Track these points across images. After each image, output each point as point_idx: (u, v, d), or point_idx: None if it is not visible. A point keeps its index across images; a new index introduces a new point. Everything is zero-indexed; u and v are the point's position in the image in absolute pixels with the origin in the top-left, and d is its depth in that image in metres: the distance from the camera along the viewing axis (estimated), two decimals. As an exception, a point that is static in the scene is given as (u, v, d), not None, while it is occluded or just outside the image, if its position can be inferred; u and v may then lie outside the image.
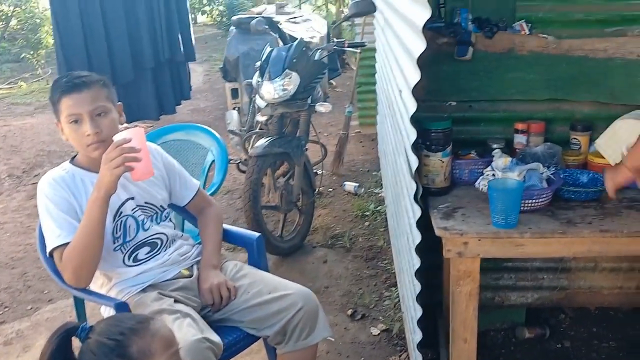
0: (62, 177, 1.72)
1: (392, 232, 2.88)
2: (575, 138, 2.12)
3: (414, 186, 1.66)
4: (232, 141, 4.24)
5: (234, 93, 6.48)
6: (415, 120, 1.65)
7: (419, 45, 1.51)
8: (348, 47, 3.46)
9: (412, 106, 1.58)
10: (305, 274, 3.11)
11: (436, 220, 1.74)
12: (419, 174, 1.94)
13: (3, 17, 13.14)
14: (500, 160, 1.89)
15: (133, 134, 1.60)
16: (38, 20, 11.67)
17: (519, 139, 2.14)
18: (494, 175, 1.85)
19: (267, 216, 3.69)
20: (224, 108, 6.78)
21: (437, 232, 1.69)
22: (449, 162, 1.92)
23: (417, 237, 1.66)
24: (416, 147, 1.72)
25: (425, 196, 1.90)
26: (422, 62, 1.48)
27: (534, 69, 2.15)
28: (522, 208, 1.68)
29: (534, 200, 1.74)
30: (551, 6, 2.24)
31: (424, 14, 1.51)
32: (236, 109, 6.40)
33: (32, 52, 10.96)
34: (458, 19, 2.17)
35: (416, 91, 1.54)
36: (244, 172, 3.90)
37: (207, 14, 17.55)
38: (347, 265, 3.17)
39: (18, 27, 12.58)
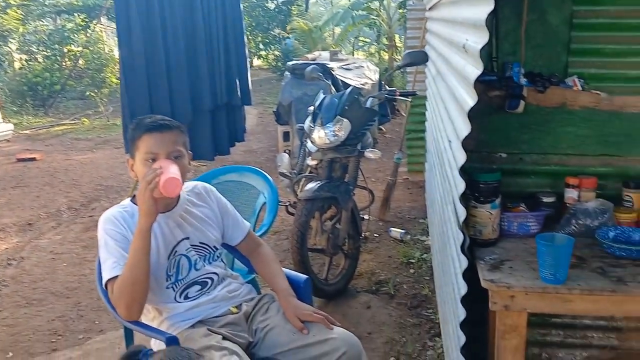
0: (121, 214, 1.81)
1: (438, 282, 2.86)
2: (628, 195, 2.10)
3: (460, 237, 1.67)
4: (282, 183, 4.33)
5: (286, 136, 6.66)
6: (464, 171, 1.67)
7: (470, 99, 1.55)
8: (399, 96, 3.52)
9: (461, 157, 1.61)
10: (348, 318, 3.11)
11: (483, 272, 1.74)
12: (466, 225, 1.95)
13: (72, 56, 14.02)
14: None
15: (162, 163, 1.71)
16: (104, 61, 12.34)
17: (570, 194, 2.13)
18: None
19: (313, 258, 3.72)
20: (276, 150, 6.96)
21: (484, 284, 1.69)
22: (497, 214, 1.93)
23: (463, 288, 1.66)
24: (464, 198, 1.74)
25: (472, 247, 1.90)
26: (473, 113, 1.51)
27: (587, 125, 2.16)
28: None
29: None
30: (604, 63, 2.25)
31: (476, 69, 1.55)
32: (287, 151, 6.56)
33: (96, 91, 11.61)
34: (510, 73, 2.21)
35: (466, 142, 1.57)
36: (292, 214, 3.97)
37: (263, 58, 18.23)
38: (390, 312, 3.15)
39: (85, 66, 13.36)
